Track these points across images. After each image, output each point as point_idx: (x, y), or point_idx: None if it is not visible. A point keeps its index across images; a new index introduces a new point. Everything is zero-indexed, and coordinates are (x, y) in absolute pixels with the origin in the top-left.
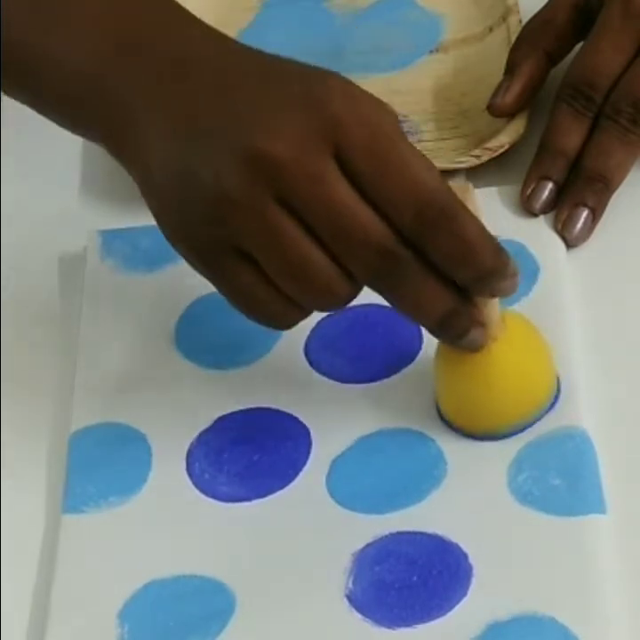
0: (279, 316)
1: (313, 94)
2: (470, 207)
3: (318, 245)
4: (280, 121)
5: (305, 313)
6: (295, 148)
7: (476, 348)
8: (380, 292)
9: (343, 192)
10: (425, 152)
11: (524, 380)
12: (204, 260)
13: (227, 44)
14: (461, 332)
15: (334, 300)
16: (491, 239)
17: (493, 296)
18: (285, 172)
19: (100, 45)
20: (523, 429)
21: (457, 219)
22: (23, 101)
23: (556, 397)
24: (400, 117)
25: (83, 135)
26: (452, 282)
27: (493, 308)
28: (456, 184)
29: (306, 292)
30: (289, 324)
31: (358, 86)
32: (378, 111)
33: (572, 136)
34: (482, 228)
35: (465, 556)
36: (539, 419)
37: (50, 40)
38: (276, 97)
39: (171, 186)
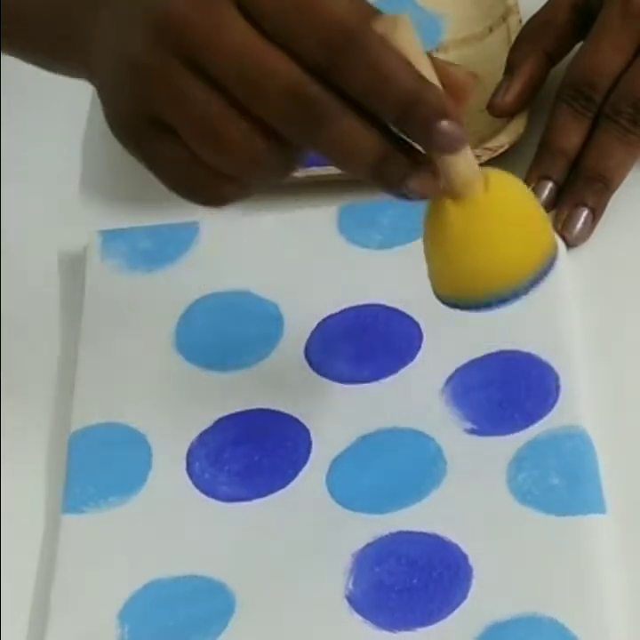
0: (208, 188)
1: None
2: (399, 40)
3: (231, 104)
4: None
5: (236, 184)
6: (192, 2)
7: (422, 197)
8: (304, 143)
9: (246, 37)
10: None
11: (503, 240)
12: (130, 137)
13: None
14: (400, 178)
15: (256, 164)
16: (411, 69)
17: (434, 145)
18: (185, 28)
19: None
20: (513, 297)
21: (368, 45)
22: (8, 50)
23: (551, 266)
24: None
25: (65, 69)
26: (385, 125)
27: (456, 161)
28: (382, 18)
29: (223, 154)
30: (224, 199)
31: None
32: None
33: (571, 136)
34: (399, 57)
35: (465, 556)
36: (530, 285)
37: None
38: None
39: (102, 65)
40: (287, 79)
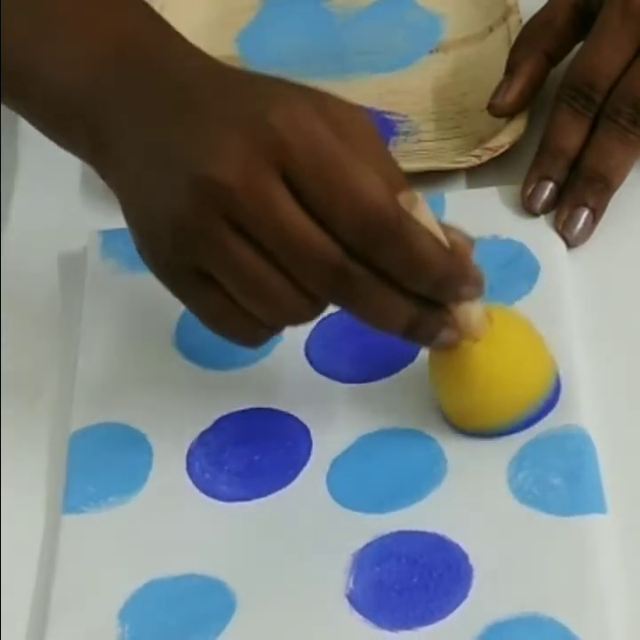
0: (247, 333)
1: (256, 116)
2: (419, 217)
3: (274, 265)
4: (225, 146)
5: (274, 330)
6: (241, 171)
7: (447, 347)
8: (341, 307)
9: (291, 212)
10: (425, 152)
11: (509, 379)
12: (172, 281)
13: (197, 61)
14: (429, 335)
15: (297, 318)
16: (440, 247)
17: (459, 301)
18: (233, 197)
19: (86, 66)
20: (523, 425)
21: (401, 231)
22: (16, 111)
23: (556, 393)
24: (400, 117)
25: (71, 152)
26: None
27: (470, 310)
28: (403, 195)
29: (268, 311)
30: (260, 341)
31: (308, 97)
32: (322, 127)
33: (571, 136)
34: (429, 238)
35: (465, 556)
36: (537, 415)
37: (40, 56)
38: (223, 120)
39: (138, 209)
40: (330, 258)
